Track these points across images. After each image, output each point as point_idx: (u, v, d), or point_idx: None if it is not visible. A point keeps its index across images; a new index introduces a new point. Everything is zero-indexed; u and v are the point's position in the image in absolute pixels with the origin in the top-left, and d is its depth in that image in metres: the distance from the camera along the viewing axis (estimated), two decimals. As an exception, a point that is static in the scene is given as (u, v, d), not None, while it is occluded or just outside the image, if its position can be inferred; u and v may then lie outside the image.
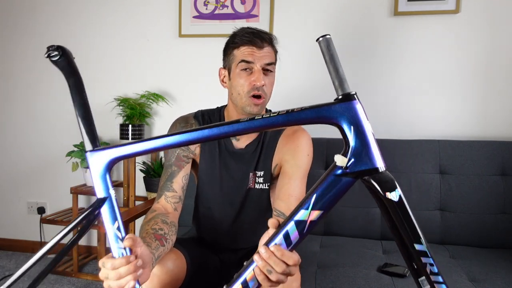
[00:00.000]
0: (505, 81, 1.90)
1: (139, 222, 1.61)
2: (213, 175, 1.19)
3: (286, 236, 0.62)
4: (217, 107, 1.25)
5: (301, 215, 0.61)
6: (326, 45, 0.60)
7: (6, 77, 2.48)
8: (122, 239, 0.67)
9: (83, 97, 0.61)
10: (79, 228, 0.63)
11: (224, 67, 1.14)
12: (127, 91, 2.29)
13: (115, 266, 0.67)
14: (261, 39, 1.06)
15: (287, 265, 0.63)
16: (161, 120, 2.28)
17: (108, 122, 2.32)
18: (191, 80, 2.23)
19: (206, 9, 2.16)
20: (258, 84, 1.05)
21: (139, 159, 2.24)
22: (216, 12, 2.15)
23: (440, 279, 0.58)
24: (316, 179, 0.63)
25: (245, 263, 0.66)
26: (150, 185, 2.15)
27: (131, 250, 0.69)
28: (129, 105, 2.12)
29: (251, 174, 1.17)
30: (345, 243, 1.65)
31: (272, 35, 1.10)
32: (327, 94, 2.07)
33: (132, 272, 0.68)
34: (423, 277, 0.59)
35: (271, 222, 0.67)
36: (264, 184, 1.17)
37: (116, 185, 2.29)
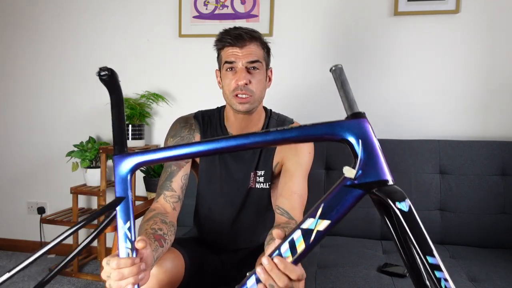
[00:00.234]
0: (505, 81, 1.90)
1: (138, 222, 1.61)
2: (213, 175, 1.19)
3: (292, 245, 0.61)
4: (217, 107, 1.25)
5: (309, 224, 0.61)
6: (338, 73, 0.64)
7: (6, 77, 2.48)
8: (131, 240, 0.67)
9: (120, 111, 0.70)
10: (78, 225, 0.65)
11: (218, 69, 1.17)
12: (127, 91, 2.29)
13: (120, 266, 0.67)
14: (241, 38, 1.06)
15: (290, 279, 0.61)
16: (161, 120, 2.28)
17: (108, 122, 2.31)
18: (191, 80, 2.23)
19: (206, 9, 2.16)
20: (240, 83, 1.06)
21: (139, 159, 2.23)
22: (216, 12, 2.15)
23: None
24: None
25: (248, 274, 0.65)
26: (150, 185, 2.16)
27: (137, 252, 0.69)
28: (129, 105, 2.12)
29: (251, 174, 1.17)
30: (345, 243, 1.65)
31: (255, 32, 1.10)
32: (326, 94, 2.09)
33: (134, 275, 0.68)
34: None
35: (276, 233, 0.65)
36: (265, 184, 1.17)
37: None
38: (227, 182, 1.19)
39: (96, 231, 0.65)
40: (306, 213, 0.63)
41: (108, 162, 2.30)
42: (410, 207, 0.56)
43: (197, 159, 1.20)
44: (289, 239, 0.62)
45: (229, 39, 1.06)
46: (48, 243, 0.62)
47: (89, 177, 2.20)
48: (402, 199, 0.57)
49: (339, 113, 2.38)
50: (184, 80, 2.24)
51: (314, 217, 0.61)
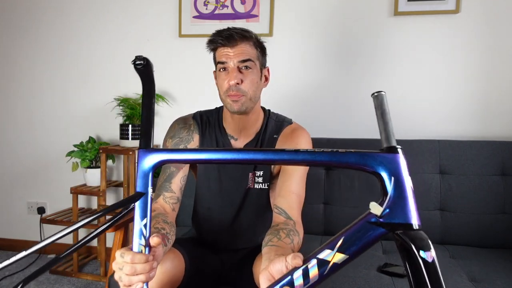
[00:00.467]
0: (505, 81, 1.90)
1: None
2: (212, 175, 1.19)
3: (305, 273, 0.59)
4: (216, 108, 1.25)
5: (325, 254, 0.58)
6: (380, 100, 0.63)
7: (6, 77, 2.48)
8: (146, 237, 0.67)
9: (151, 102, 0.70)
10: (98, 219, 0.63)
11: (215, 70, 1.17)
12: (127, 91, 2.29)
13: (134, 261, 0.66)
14: (232, 37, 1.06)
15: None
16: (161, 120, 2.28)
17: (108, 122, 2.32)
18: (191, 80, 2.23)
19: (206, 9, 2.16)
20: (231, 82, 1.06)
21: (139, 159, 2.24)
22: (216, 12, 2.15)
23: None
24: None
25: None
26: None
27: (150, 249, 0.68)
28: (129, 105, 2.12)
29: (250, 174, 1.17)
30: (345, 243, 1.65)
31: (246, 32, 1.09)
32: (326, 94, 2.09)
33: (146, 272, 0.67)
34: None
35: (296, 263, 0.59)
36: (263, 184, 1.17)
37: (116, 185, 2.29)
38: (225, 182, 1.19)
39: (111, 222, 0.64)
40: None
41: (108, 162, 2.31)
42: (433, 259, 0.54)
43: None
44: (303, 266, 0.59)
45: (220, 39, 1.06)
46: (47, 243, 0.61)
47: (89, 177, 2.20)
48: (427, 249, 0.54)
49: (339, 113, 2.38)
50: (184, 80, 2.24)
51: (332, 248, 0.58)
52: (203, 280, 1.15)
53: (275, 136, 1.17)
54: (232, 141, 1.18)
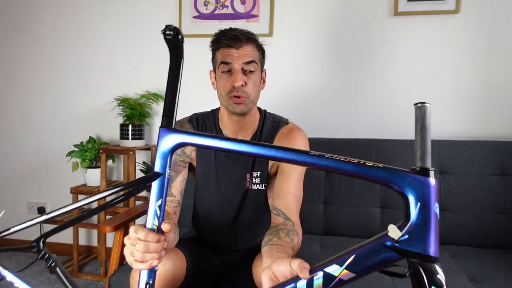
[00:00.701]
0: (505, 81, 1.90)
1: (139, 222, 1.61)
2: (210, 177, 1.19)
3: (310, 284, 0.58)
4: (212, 110, 1.26)
5: (333, 269, 0.57)
6: (422, 113, 0.56)
7: (6, 77, 2.48)
8: (159, 218, 0.67)
9: (177, 78, 0.67)
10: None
11: (213, 70, 1.17)
12: (127, 91, 2.29)
13: (147, 238, 0.66)
14: (237, 38, 1.06)
15: None
16: (160, 120, 2.28)
17: (108, 122, 2.33)
18: (191, 80, 2.23)
19: (206, 9, 2.16)
20: (237, 84, 1.06)
21: (139, 159, 2.24)
22: (216, 12, 2.15)
23: None
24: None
25: None
26: (150, 185, 2.15)
27: (162, 233, 0.69)
28: (129, 105, 2.12)
29: (247, 175, 1.17)
30: (345, 243, 1.65)
31: (250, 34, 1.10)
32: (326, 95, 2.09)
33: (158, 252, 0.67)
34: None
35: (305, 276, 0.59)
36: (261, 185, 1.17)
37: (116, 185, 2.29)
38: (224, 183, 1.19)
39: (128, 193, 0.66)
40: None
41: (108, 162, 2.31)
42: None
43: (194, 162, 1.20)
44: (308, 278, 0.58)
45: (226, 39, 1.06)
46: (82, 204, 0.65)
47: (89, 177, 2.20)
48: (440, 286, 0.53)
49: (339, 113, 2.38)
50: (184, 80, 2.23)
51: (341, 265, 0.57)
52: (203, 280, 1.15)
53: (272, 136, 1.17)
54: None
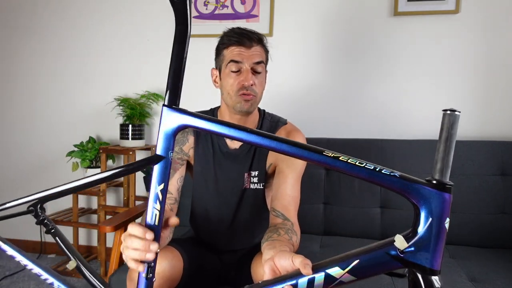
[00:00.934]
0: (505, 81, 1.90)
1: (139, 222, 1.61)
2: (208, 176, 1.19)
3: (310, 283, 0.58)
4: (211, 108, 1.26)
5: (334, 271, 0.57)
6: (451, 121, 0.53)
7: (6, 77, 2.48)
8: (161, 201, 0.64)
9: (182, 49, 0.60)
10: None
11: (216, 68, 1.16)
12: (127, 91, 2.29)
13: (133, 233, 0.65)
14: (249, 38, 1.07)
15: None
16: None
17: (108, 122, 2.33)
18: (191, 80, 2.23)
19: (206, 9, 2.16)
20: (247, 84, 1.06)
21: (138, 159, 2.24)
22: (216, 12, 2.15)
23: None
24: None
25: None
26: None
27: (164, 224, 0.68)
28: (129, 105, 2.12)
29: (245, 174, 1.17)
30: (345, 243, 1.65)
31: (261, 34, 1.11)
32: (326, 94, 2.08)
33: (143, 250, 0.65)
34: None
35: (307, 273, 0.59)
36: (259, 184, 1.17)
37: (116, 185, 2.30)
38: (222, 182, 1.19)
39: (130, 168, 0.65)
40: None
41: (108, 162, 2.31)
42: None
43: (192, 161, 1.20)
44: (310, 276, 0.58)
45: (237, 38, 1.07)
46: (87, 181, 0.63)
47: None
48: None
49: (339, 113, 2.38)
50: (184, 80, 2.22)
51: (343, 268, 0.57)
52: (201, 279, 1.15)
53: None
54: (228, 141, 1.18)
